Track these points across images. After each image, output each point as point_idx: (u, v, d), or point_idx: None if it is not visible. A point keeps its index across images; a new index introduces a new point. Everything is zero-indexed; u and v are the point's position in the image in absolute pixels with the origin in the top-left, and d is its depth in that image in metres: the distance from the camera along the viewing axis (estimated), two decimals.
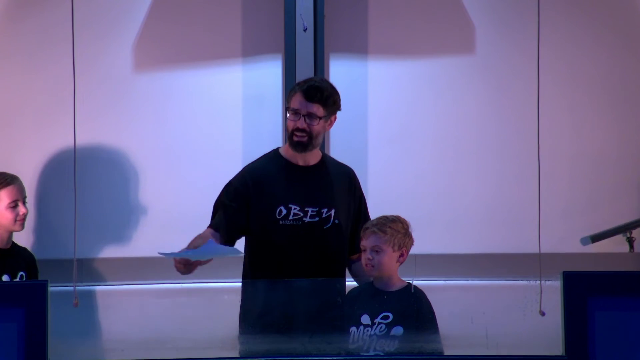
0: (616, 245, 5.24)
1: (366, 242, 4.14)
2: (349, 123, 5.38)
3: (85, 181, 5.22)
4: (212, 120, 5.35)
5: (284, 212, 4.30)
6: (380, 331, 4.05)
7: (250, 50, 5.35)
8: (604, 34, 5.41)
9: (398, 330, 4.05)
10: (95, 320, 5.03)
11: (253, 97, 5.36)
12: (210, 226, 4.36)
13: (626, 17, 5.41)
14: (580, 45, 5.41)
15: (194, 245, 4.16)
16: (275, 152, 4.41)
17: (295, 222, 4.31)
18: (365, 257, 4.14)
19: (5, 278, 4.44)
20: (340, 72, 5.37)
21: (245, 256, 4.39)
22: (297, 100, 4.29)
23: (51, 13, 5.23)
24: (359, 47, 5.37)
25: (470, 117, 5.42)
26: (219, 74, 5.35)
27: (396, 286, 4.15)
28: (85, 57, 5.12)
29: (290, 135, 4.31)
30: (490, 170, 5.40)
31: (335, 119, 4.37)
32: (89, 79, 5.21)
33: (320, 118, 4.28)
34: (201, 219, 5.33)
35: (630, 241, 5.14)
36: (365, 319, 4.08)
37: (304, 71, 5.18)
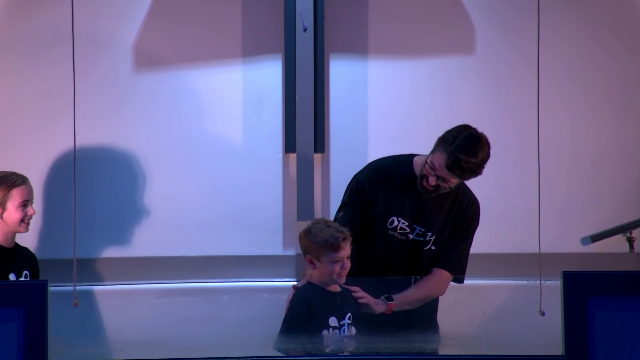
0: (616, 245, 5.24)
1: (344, 253, 4.14)
2: (349, 123, 5.38)
3: (86, 181, 5.22)
4: (212, 120, 5.35)
5: (395, 223, 4.36)
6: (350, 332, 4.06)
7: (250, 50, 5.35)
8: (604, 34, 5.41)
9: (354, 330, 4.08)
10: (95, 321, 5.03)
11: (253, 97, 5.35)
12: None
13: (625, 18, 5.41)
14: (579, 46, 5.41)
15: None
16: (408, 159, 4.43)
17: (401, 236, 4.37)
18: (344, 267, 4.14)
19: (12, 277, 4.46)
20: (340, 72, 5.37)
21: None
22: (439, 162, 4.27)
23: (51, 14, 5.23)
24: (359, 47, 5.37)
25: (470, 117, 5.39)
26: (219, 74, 5.35)
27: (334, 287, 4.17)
28: (85, 57, 5.12)
29: (421, 178, 4.32)
30: (490, 170, 5.36)
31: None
32: (89, 79, 5.21)
33: (454, 183, 4.32)
34: (201, 218, 5.36)
35: (630, 241, 5.14)
36: (333, 321, 4.08)
37: (304, 71, 5.18)
